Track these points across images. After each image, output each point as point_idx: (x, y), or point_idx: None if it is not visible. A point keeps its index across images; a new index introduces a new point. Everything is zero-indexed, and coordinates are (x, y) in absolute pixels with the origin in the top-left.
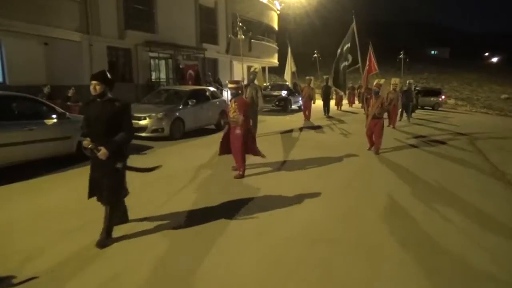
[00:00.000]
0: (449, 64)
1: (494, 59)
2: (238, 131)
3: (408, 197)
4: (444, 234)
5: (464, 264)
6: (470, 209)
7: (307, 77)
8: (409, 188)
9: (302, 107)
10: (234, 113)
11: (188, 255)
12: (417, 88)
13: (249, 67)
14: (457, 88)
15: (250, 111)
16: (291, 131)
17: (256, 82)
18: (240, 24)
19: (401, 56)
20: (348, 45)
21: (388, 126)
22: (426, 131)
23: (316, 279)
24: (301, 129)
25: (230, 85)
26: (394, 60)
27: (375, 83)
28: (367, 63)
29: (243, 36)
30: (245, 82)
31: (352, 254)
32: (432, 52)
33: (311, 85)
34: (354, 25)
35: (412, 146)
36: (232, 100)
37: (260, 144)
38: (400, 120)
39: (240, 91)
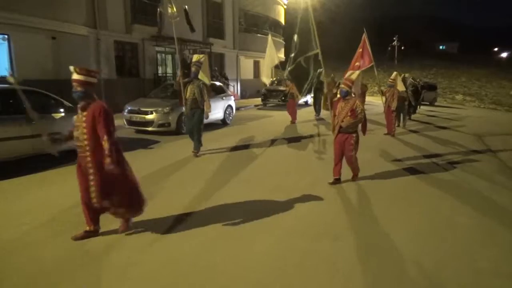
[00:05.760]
0: (458, 59)
1: (504, 54)
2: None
3: None
4: (450, 226)
5: (470, 259)
6: None
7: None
8: None
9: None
10: (83, 133)
11: (193, 252)
12: (421, 84)
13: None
14: (466, 83)
15: (112, 129)
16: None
17: (200, 76)
18: None
19: (394, 43)
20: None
21: (387, 134)
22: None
23: (322, 274)
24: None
25: (76, 77)
26: (400, 56)
27: (344, 77)
28: (360, 52)
29: (175, 10)
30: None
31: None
32: (441, 47)
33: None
34: None
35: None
36: (80, 109)
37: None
38: (398, 125)
39: (92, 91)
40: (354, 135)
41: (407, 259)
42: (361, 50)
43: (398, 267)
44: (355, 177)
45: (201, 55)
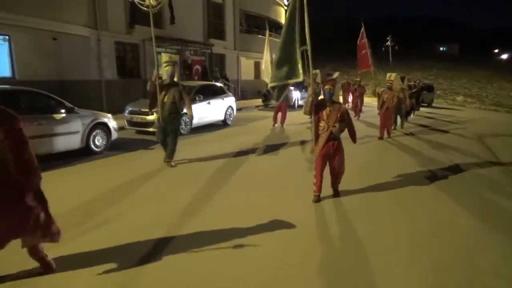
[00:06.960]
0: (458, 61)
1: (504, 56)
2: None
3: None
4: (450, 228)
5: (470, 261)
6: None
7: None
8: None
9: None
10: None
11: (191, 252)
12: (420, 85)
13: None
14: (466, 85)
15: (26, 147)
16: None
17: (176, 78)
18: None
19: (388, 43)
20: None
21: (382, 137)
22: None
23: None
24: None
25: None
26: (400, 56)
27: (328, 78)
28: (360, 52)
29: (151, 1)
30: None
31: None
32: (441, 48)
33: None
34: None
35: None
36: None
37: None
38: (394, 128)
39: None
40: (340, 142)
41: (407, 260)
42: (359, 50)
43: (398, 267)
44: (336, 190)
45: (172, 55)
